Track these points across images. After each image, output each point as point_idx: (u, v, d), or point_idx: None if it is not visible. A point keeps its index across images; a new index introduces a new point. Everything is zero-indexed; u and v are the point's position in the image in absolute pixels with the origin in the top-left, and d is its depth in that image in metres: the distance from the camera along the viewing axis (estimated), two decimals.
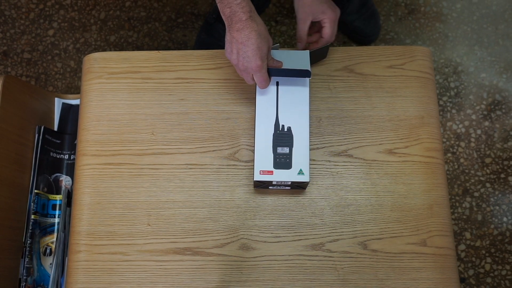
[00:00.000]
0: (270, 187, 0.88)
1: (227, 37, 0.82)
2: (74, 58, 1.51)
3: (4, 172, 0.94)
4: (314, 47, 0.91)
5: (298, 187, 0.88)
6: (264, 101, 0.87)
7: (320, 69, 0.96)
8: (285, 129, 0.85)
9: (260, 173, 0.83)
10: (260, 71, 0.81)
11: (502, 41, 1.51)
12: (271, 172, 0.83)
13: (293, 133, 0.85)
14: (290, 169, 0.83)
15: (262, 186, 0.88)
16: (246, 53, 0.80)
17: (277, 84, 0.87)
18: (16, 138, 0.99)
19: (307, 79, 0.88)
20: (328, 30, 0.89)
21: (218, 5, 0.80)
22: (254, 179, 0.83)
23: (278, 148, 0.84)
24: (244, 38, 0.79)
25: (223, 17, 0.81)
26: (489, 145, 1.42)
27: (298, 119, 0.86)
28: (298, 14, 0.91)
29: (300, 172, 0.83)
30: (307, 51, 0.88)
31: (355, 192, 0.89)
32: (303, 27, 0.90)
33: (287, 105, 0.86)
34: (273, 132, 0.85)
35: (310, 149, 0.91)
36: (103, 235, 0.88)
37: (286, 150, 0.84)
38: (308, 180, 0.83)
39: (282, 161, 0.84)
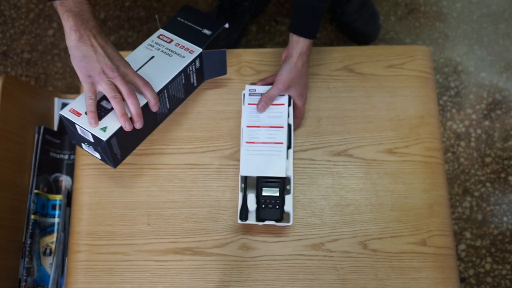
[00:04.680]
0: (82, 145, 0.81)
1: (85, 49, 0.74)
2: None
3: (4, 172, 0.94)
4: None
5: (105, 159, 0.80)
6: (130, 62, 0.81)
7: (320, 69, 0.96)
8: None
9: (70, 110, 0.77)
10: (131, 68, 0.78)
11: (502, 40, 1.51)
12: (79, 114, 0.76)
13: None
14: (98, 121, 0.76)
15: (72, 135, 0.81)
16: (111, 53, 0.76)
17: (151, 57, 0.85)
18: (16, 138, 0.99)
19: (178, 70, 0.84)
20: (301, 112, 0.89)
21: (66, 15, 0.73)
22: (59, 112, 0.76)
23: (104, 101, 0.78)
24: (102, 42, 0.76)
25: (68, 25, 0.73)
26: (489, 144, 1.42)
27: (139, 94, 0.79)
28: (279, 81, 0.85)
29: (103, 129, 0.76)
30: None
31: (355, 192, 0.89)
32: (276, 94, 0.87)
33: (144, 76, 0.80)
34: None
35: (310, 149, 0.91)
36: (103, 235, 0.88)
37: (109, 106, 0.77)
38: (104, 139, 0.75)
39: (98, 112, 0.76)
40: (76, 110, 0.77)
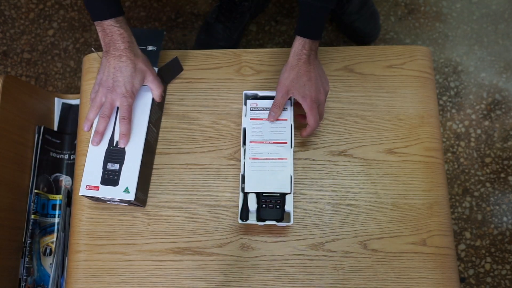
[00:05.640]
0: (108, 202, 0.87)
1: (103, 61, 0.84)
2: (74, 58, 1.51)
3: (4, 172, 0.94)
4: (303, 135, 0.87)
5: (135, 204, 0.87)
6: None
7: None
8: (119, 146, 0.84)
9: (86, 187, 0.83)
10: (125, 98, 0.83)
11: (502, 40, 1.51)
12: (97, 188, 0.83)
13: (126, 151, 0.84)
14: (117, 187, 0.82)
15: (98, 200, 0.87)
16: (117, 78, 0.82)
17: None
18: (16, 138, 0.99)
19: (150, 102, 0.87)
20: (309, 118, 0.83)
21: (99, 34, 0.83)
22: (80, 193, 0.83)
23: (108, 164, 0.83)
24: (120, 64, 0.82)
25: (103, 44, 0.84)
26: (489, 144, 1.42)
27: (134, 137, 0.85)
28: (278, 86, 0.84)
29: (126, 190, 0.82)
30: None
31: (355, 192, 0.89)
32: (281, 100, 0.84)
33: None
34: (106, 147, 0.85)
35: (310, 149, 0.91)
36: (103, 235, 0.88)
37: (116, 166, 0.83)
38: (132, 199, 0.82)
39: (110, 178, 0.83)
40: (92, 186, 0.83)
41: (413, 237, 0.87)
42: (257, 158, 0.84)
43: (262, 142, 0.85)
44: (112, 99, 0.84)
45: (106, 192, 0.82)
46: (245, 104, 0.88)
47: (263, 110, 0.87)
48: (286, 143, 0.85)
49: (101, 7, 0.81)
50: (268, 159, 0.84)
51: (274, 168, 0.84)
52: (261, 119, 0.87)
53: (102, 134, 0.85)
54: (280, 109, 0.85)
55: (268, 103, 0.87)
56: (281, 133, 0.86)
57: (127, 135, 0.84)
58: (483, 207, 1.38)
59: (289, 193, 0.83)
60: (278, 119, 0.86)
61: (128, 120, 0.84)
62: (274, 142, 0.85)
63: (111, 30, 0.82)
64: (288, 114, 0.87)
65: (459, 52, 1.50)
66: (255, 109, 0.87)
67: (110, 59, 0.83)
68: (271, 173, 0.83)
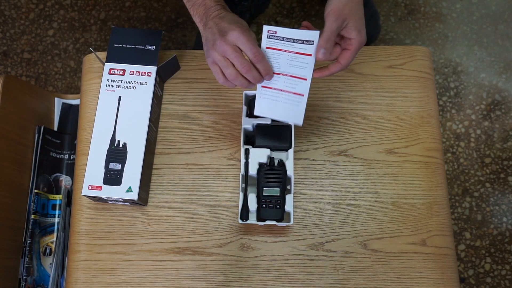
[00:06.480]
0: (110, 202, 0.87)
1: (204, 33, 0.73)
2: (74, 58, 1.52)
3: (4, 172, 0.94)
4: (324, 73, 0.75)
5: (138, 203, 0.87)
6: (104, 114, 0.86)
7: None
8: (120, 145, 0.85)
9: (88, 187, 0.83)
10: (243, 35, 0.69)
11: (502, 41, 1.51)
12: (99, 188, 0.83)
13: (127, 150, 0.85)
14: (119, 186, 0.83)
15: (99, 200, 0.87)
16: (222, 25, 0.71)
17: (119, 98, 0.87)
18: (16, 138, 0.99)
19: (150, 100, 0.87)
20: (351, 55, 0.71)
21: (191, 12, 0.76)
22: (82, 194, 0.83)
23: (110, 163, 0.84)
24: (221, 15, 0.73)
25: (198, 20, 0.75)
26: (488, 145, 1.43)
27: (135, 136, 0.85)
28: (330, 12, 0.67)
29: (129, 190, 0.82)
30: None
31: (355, 192, 0.89)
32: (336, 31, 0.67)
33: (126, 121, 0.86)
34: (108, 147, 0.85)
35: (310, 149, 0.91)
36: (103, 234, 0.88)
37: (118, 166, 0.83)
38: (136, 198, 0.82)
39: (113, 177, 0.83)
40: (94, 186, 0.83)
41: (413, 237, 0.87)
42: (270, 88, 0.74)
43: (278, 74, 0.75)
44: (231, 45, 0.70)
45: (109, 191, 0.83)
46: (245, 104, 0.88)
47: (283, 40, 0.73)
48: (305, 79, 0.73)
49: None
50: (283, 91, 0.74)
51: (288, 101, 0.75)
52: (280, 50, 0.74)
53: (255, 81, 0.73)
54: (333, 43, 0.67)
55: (291, 32, 0.72)
56: (302, 68, 0.73)
57: (269, 69, 0.72)
58: (483, 207, 1.38)
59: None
60: (299, 53, 0.72)
61: (261, 56, 0.70)
62: (292, 76, 0.74)
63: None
64: (313, 49, 0.72)
65: (459, 52, 1.51)
66: (273, 37, 0.73)
67: (211, 23, 0.72)
68: (284, 105, 0.74)
